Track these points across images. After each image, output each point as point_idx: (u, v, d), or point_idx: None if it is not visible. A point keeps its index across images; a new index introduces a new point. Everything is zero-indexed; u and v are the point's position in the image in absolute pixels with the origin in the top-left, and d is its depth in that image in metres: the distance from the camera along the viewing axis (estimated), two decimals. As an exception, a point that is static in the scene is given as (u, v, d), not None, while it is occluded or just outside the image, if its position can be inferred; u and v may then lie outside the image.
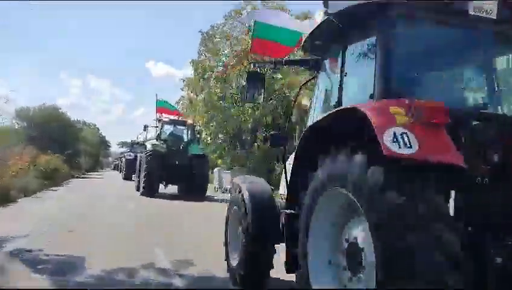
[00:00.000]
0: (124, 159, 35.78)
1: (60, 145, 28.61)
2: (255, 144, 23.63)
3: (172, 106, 22.93)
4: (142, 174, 17.37)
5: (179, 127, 19.62)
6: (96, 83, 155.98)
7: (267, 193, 5.09)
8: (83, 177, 31.99)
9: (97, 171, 50.81)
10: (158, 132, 19.23)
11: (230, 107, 23.34)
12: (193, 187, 17.68)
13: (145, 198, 16.40)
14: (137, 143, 35.78)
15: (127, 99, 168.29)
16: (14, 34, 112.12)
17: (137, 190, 19.12)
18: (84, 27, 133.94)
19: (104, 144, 67.56)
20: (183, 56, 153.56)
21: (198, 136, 20.05)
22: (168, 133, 19.36)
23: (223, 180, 21.23)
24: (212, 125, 24.13)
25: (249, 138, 24.29)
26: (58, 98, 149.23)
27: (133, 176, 30.80)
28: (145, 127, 21.16)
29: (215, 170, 22.34)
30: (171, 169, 17.81)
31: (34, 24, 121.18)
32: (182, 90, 27.44)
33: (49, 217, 10.47)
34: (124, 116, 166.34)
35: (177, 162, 18.07)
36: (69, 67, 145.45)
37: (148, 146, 18.51)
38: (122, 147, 66.81)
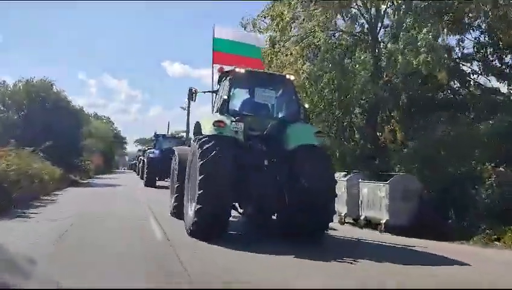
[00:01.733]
0: (144, 159, 25.68)
1: (56, 138, 18.55)
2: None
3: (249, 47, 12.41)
4: (196, 189, 7.37)
5: (265, 88, 9.19)
6: (112, 82, 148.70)
7: None
8: (85, 185, 21.99)
9: (111, 173, 41.41)
10: (223, 97, 8.77)
11: (341, 51, 12.84)
12: (299, 215, 7.46)
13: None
14: (164, 136, 26.03)
15: (143, 99, 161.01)
16: (26, 34, 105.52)
17: (174, 215, 9.70)
18: (99, 26, 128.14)
19: (119, 139, 57.86)
20: (199, 56, 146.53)
21: (306, 106, 9.52)
22: (244, 100, 9.17)
23: (363, 200, 10.64)
24: (316, 90, 12.67)
25: (363, 121, 13.63)
26: (77, 97, 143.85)
27: (156, 180, 21.50)
28: (192, 94, 10.32)
29: (340, 177, 10.83)
30: (253, 176, 7.82)
31: (50, 24, 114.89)
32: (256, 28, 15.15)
33: None
34: (140, 116, 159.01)
35: (266, 162, 8.01)
36: (87, 68, 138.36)
37: (206, 127, 8.24)
38: (139, 145, 57.77)
